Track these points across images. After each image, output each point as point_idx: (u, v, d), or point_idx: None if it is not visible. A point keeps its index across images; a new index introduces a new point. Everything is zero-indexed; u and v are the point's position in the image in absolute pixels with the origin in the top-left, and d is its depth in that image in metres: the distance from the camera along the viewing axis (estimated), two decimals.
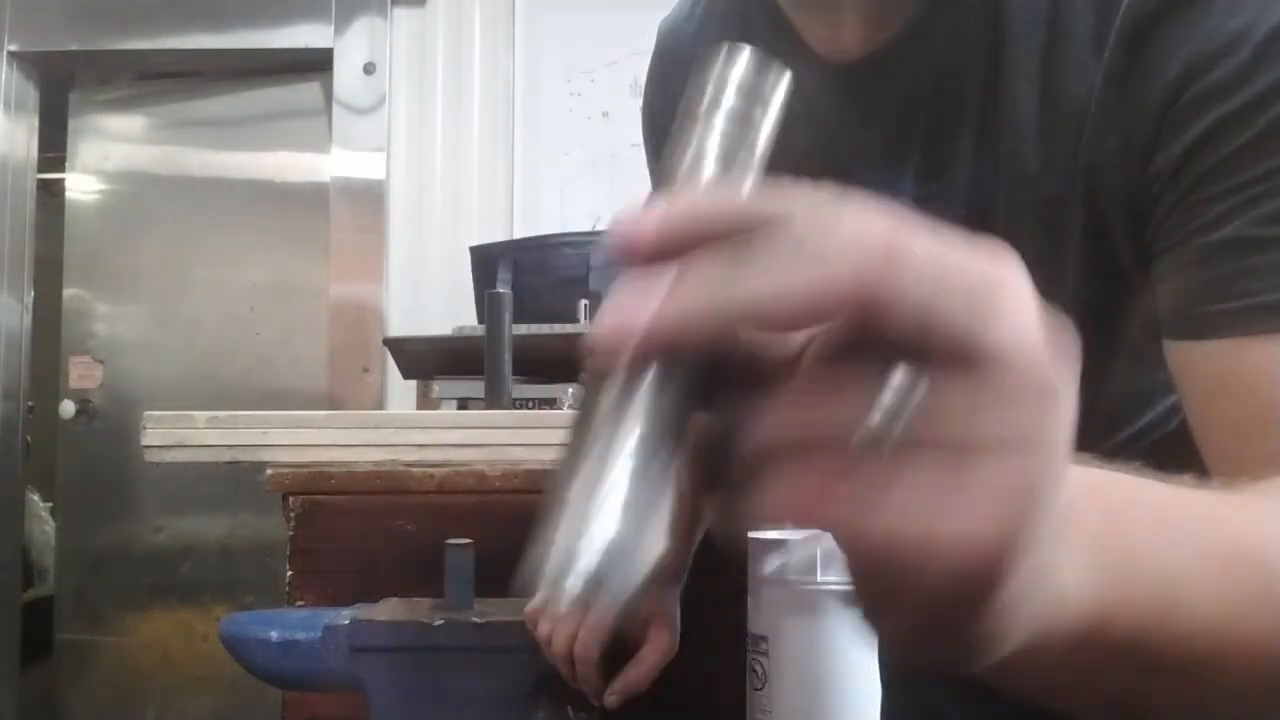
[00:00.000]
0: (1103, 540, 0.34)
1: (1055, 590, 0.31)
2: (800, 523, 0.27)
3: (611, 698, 0.86)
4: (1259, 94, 0.51)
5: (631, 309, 0.27)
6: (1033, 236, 0.58)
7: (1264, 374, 0.51)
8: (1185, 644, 0.37)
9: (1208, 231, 0.52)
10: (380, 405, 2.76)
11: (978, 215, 0.59)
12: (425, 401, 2.18)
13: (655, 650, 0.89)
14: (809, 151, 0.65)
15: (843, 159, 0.64)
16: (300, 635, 0.91)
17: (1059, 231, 0.59)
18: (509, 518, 1.14)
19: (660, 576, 0.42)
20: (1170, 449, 0.62)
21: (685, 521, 0.76)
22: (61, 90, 3.17)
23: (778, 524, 0.51)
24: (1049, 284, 0.43)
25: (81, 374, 3.07)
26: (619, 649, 0.88)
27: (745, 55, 0.34)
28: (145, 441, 1.20)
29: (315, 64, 2.90)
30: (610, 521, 0.27)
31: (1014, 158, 0.58)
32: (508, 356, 1.33)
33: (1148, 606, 0.35)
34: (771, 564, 1.67)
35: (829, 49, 0.63)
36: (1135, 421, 0.66)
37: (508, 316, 1.32)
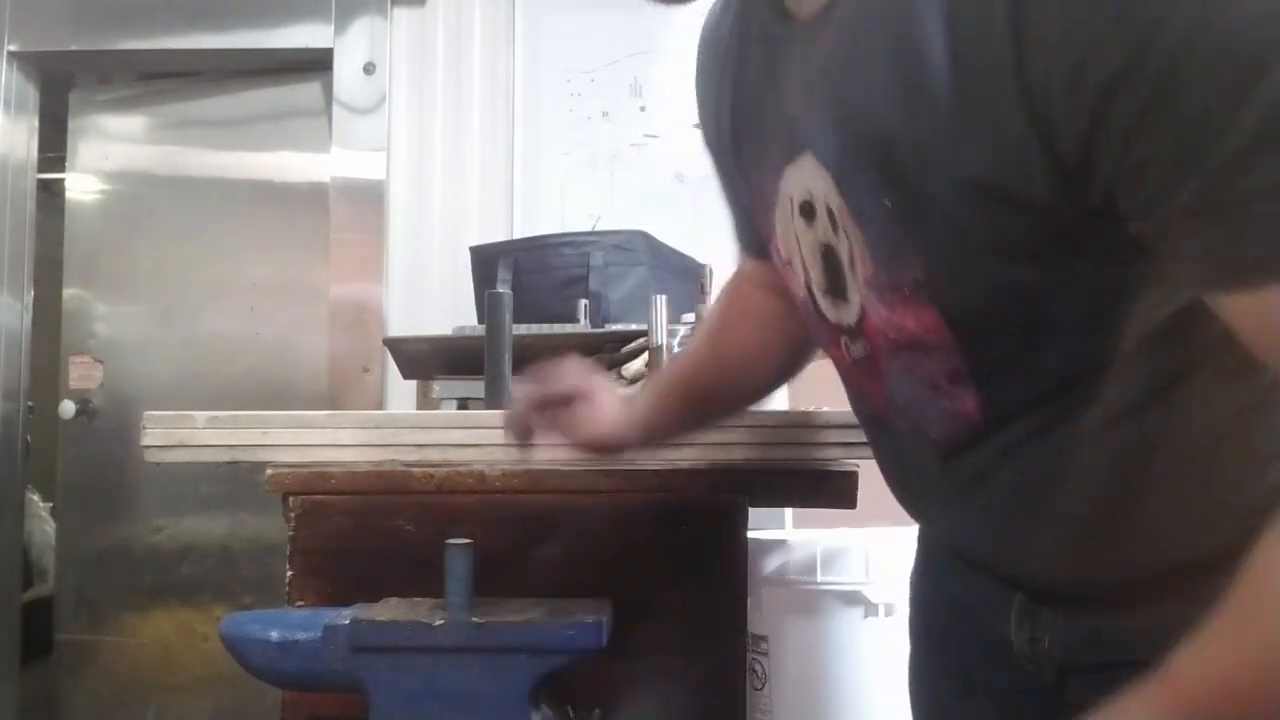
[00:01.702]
0: None
1: None
2: None
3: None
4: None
5: None
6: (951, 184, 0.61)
7: None
8: None
9: (1213, 184, 0.52)
10: (380, 405, 2.76)
11: (894, 164, 0.63)
12: (425, 401, 2.18)
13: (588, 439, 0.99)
14: (769, 99, 0.73)
15: (791, 106, 0.71)
16: (300, 635, 0.91)
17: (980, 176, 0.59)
18: (509, 518, 1.14)
19: None
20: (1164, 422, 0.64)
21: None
22: (61, 90, 3.17)
23: None
24: (965, 239, 0.56)
25: (81, 374, 3.07)
26: None
27: None
28: (145, 441, 1.20)
29: (315, 64, 2.90)
30: None
31: (923, 101, 0.60)
32: (508, 356, 1.33)
33: None
34: (771, 564, 1.67)
35: (797, 9, 0.71)
36: (1123, 393, 0.66)
37: (508, 316, 1.32)
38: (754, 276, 1.00)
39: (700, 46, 0.89)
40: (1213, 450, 0.65)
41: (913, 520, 0.86)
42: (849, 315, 0.73)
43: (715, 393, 1.02)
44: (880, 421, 0.79)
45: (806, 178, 0.71)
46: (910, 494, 0.83)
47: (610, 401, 1.01)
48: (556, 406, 1.01)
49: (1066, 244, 0.60)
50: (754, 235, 0.91)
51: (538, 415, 1.01)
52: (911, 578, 0.94)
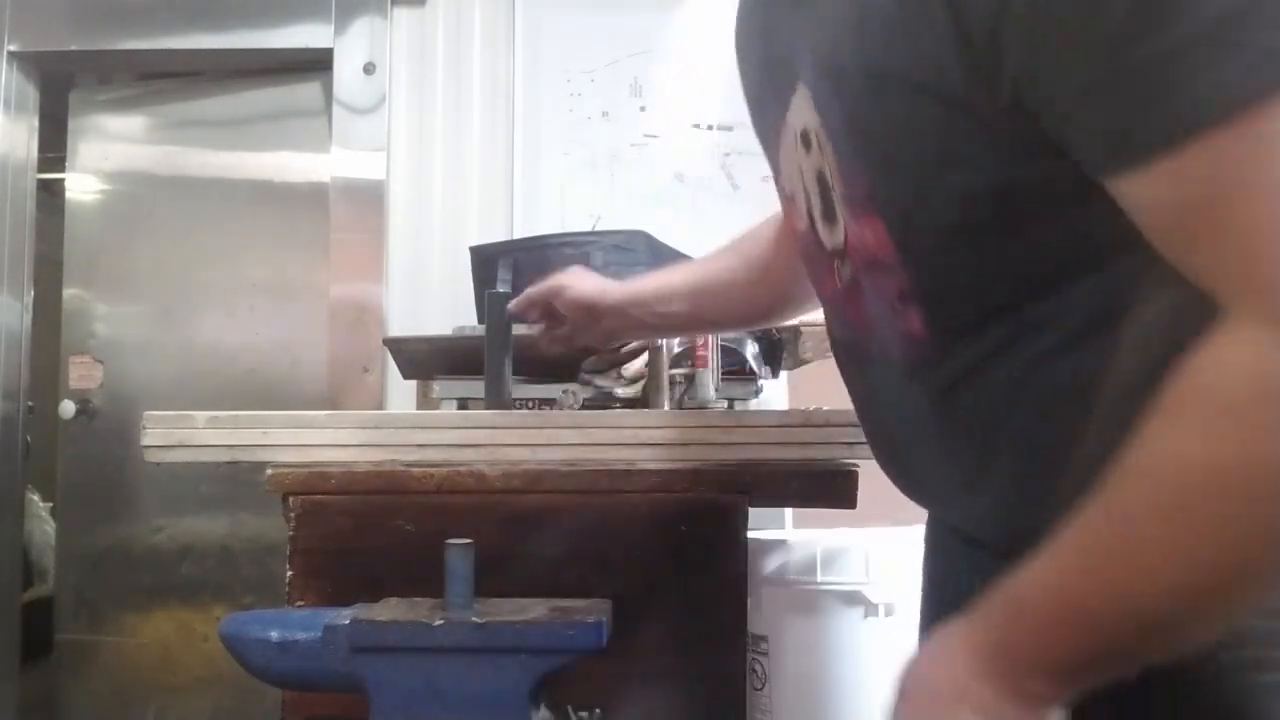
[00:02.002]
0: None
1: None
2: None
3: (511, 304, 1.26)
4: None
5: None
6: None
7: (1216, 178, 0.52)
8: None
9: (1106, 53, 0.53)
10: (380, 405, 2.76)
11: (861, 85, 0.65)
12: (425, 401, 2.18)
13: (548, 281, 1.23)
14: (783, 32, 0.76)
15: (794, 35, 0.74)
16: (300, 635, 0.91)
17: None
18: (509, 518, 1.14)
19: None
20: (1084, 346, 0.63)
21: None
22: (61, 90, 3.17)
23: None
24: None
25: (81, 374, 3.07)
26: None
27: None
28: (145, 441, 1.20)
29: (315, 64, 2.90)
30: None
31: (868, 6, 0.63)
32: (508, 357, 1.35)
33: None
34: (771, 564, 1.67)
35: None
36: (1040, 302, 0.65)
37: (508, 316, 1.34)
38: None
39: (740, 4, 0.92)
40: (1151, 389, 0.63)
41: (891, 480, 0.86)
42: (838, 236, 0.75)
43: (717, 290, 1.12)
44: (858, 351, 0.81)
45: (800, 106, 0.74)
46: (880, 437, 0.83)
47: (593, 277, 1.20)
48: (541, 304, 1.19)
49: (998, 150, 0.61)
50: None
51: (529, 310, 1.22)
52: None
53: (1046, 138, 0.58)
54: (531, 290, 1.23)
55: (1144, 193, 0.54)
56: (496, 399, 1.31)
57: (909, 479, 0.83)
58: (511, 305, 1.26)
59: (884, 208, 0.68)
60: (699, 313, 1.16)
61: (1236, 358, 0.52)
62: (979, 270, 0.66)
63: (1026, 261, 0.64)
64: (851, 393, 0.86)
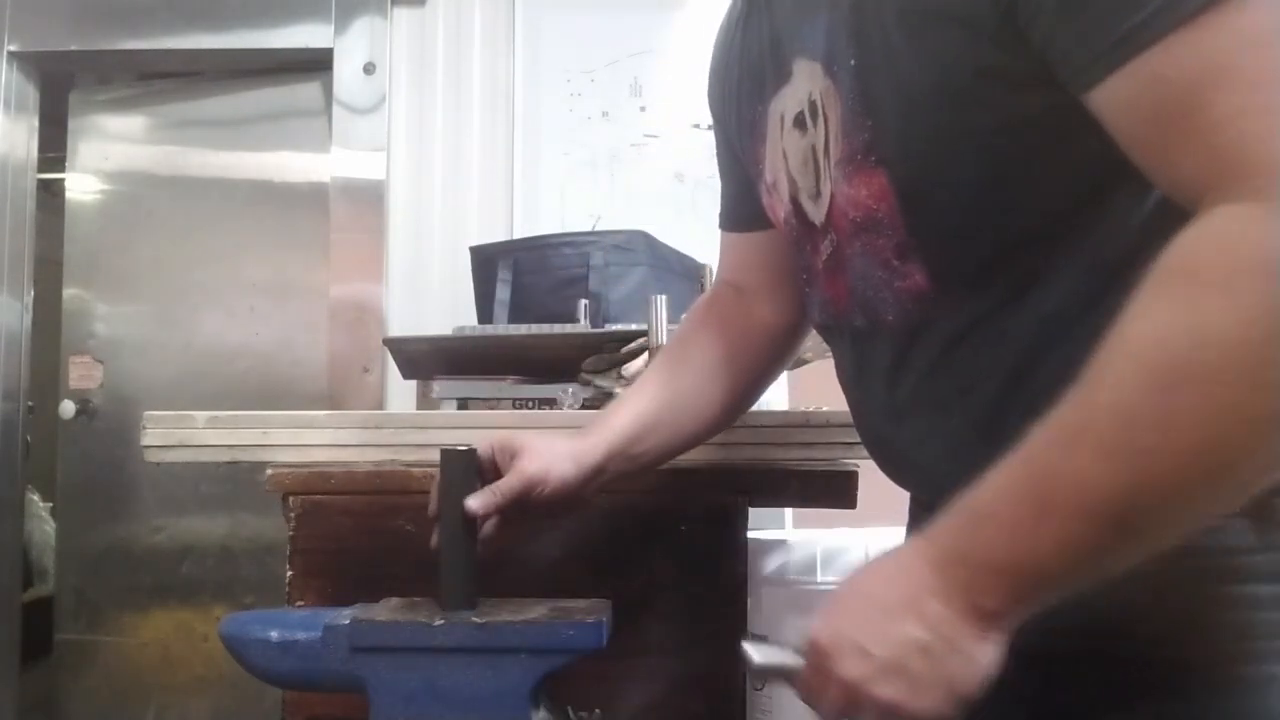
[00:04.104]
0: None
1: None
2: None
3: (473, 500, 0.88)
4: None
5: None
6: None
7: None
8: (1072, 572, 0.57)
9: None
10: (380, 405, 2.76)
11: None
12: (425, 401, 2.18)
13: (517, 473, 0.90)
14: (765, 32, 0.79)
15: (780, 26, 0.77)
16: (300, 635, 0.91)
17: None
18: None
19: None
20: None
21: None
22: (61, 90, 3.17)
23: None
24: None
25: (81, 374, 3.07)
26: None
27: None
28: (145, 441, 1.20)
29: (315, 64, 2.90)
30: None
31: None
32: (472, 547, 0.93)
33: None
34: (771, 564, 1.67)
35: None
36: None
37: (472, 478, 0.94)
38: (716, 301, 1.03)
39: (722, 22, 0.95)
40: None
41: (876, 462, 0.86)
42: (822, 209, 0.76)
43: (688, 397, 1.00)
44: (842, 325, 0.81)
45: (799, 86, 0.75)
46: (867, 414, 0.83)
47: (556, 448, 0.93)
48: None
49: (1017, 81, 0.61)
50: (743, 206, 0.95)
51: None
52: None
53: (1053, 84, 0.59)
54: (500, 486, 0.91)
55: (1121, 98, 0.55)
56: (457, 600, 0.91)
57: (897, 461, 0.83)
58: (474, 505, 0.89)
59: (887, 156, 0.68)
60: (678, 431, 1.00)
61: (1219, 233, 0.51)
62: (988, 213, 0.66)
63: (1035, 204, 0.64)
64: (835, 357, 0.86)
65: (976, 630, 0.58)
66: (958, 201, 0.67)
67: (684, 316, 1.07)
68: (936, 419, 0.74)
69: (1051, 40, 0.58)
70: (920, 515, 0.89)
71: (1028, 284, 0.66)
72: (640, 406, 0.97)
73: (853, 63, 0.69)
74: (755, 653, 0.70)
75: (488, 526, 0.91)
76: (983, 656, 0.58)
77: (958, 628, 0.58)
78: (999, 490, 0.57)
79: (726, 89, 0.92)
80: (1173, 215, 0.55)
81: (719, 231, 1.06)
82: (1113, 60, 0.54)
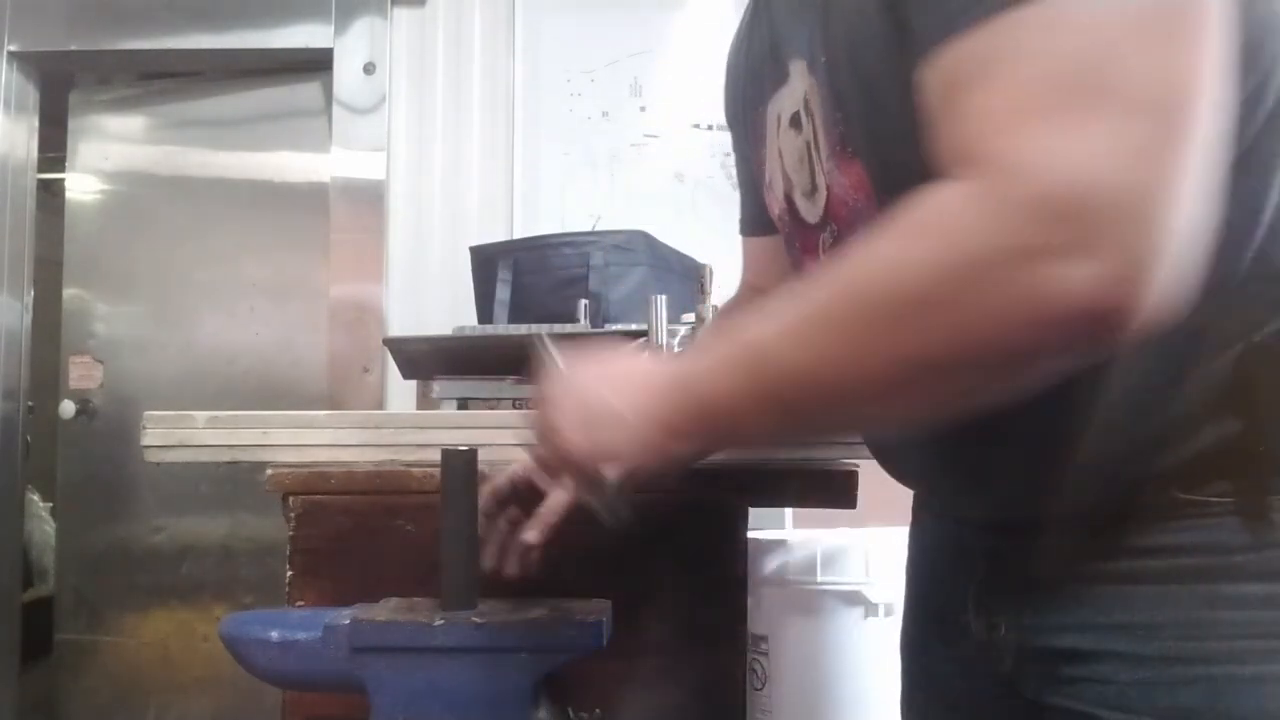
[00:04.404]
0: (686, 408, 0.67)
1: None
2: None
3: (530, 533, 0.92)
4: None
5: None
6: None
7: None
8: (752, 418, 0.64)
9: None
10: (380, 405, 2.76)
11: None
12: (425, 401, 2.18)
13: (558, 494, 0.94)
14: (765, 33, 0.81)
15: (779, 27, 0.79)
16: (300, 635, 0.91)
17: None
18: None
19: None
20: None
21: None
22: (61, 90, 3.17)
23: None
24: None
25: (81, 374, 3.07)
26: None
27: None
28: (145, 441, 1.20)
29: (315, 64, 2.90)
30: None
31: None
32: (476, 547, 0.95)
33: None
34: (771, 564, 1.67)
35: None
36: None
37: (473, 481, 0.95)
38: (740, 304, 1.06)
39: (737, 28, 0.95)
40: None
41: (877, 461, 0.86)
42: (819, 204, 0.77)
43: None
44: None
45: (794, 86, 0.76)
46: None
47: None
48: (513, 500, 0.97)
49: None
50: (761, 211, 0.95)
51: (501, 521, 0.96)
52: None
53: None
54: (550, 509, 0.93)
55: (931, 78, 0.57)
56: (457, 600, 0.91)
57: (892, 457, 0.83)
58: (533, 537, 0.93)
59: (860, 147, 0.69)
60: None
61: (933, 198, 0.55)
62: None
63: None
64: None
65: (662, 433, 0.68)
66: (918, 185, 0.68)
67: (712, 319, 1.08)
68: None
69: (907, 20, 0.60)
70: (922, 515, 0.89)
71: None
72: None
73: (824, 59, 0.70)
74: (552, 346, 0.79)
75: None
76: (657, 452, 0.69)
77: (651, 423, 0.68)
78: (726, 342, 0.66)
79: (735, 95, 0.93)
80: None
81: (721, 233, 1.07)
82: (937, 39, 0.56)
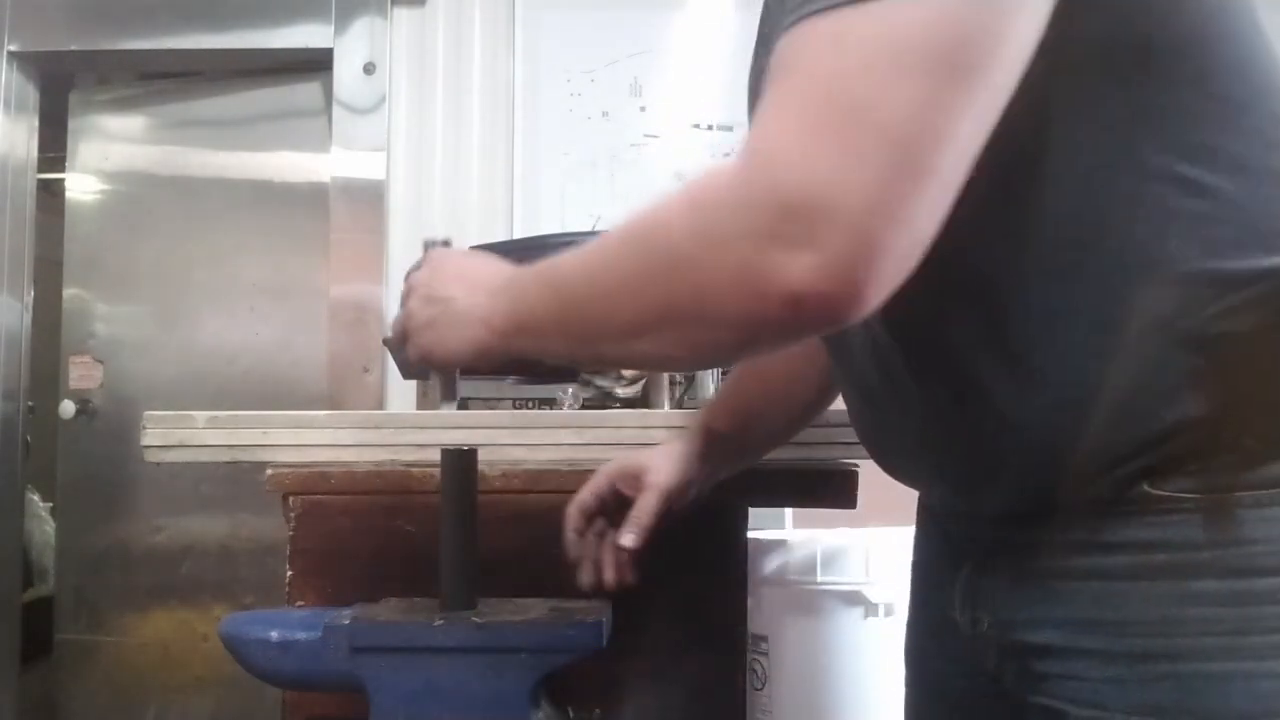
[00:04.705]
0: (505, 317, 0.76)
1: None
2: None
3: (627, 538, 0.96)
4: None
5: None
6: None
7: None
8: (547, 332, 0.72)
9: None
10: (380, 405, 2.76)
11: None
12: (425, 401, 2.18)
13: (651, 489, 0.98)
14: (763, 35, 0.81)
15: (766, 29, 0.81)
16: (300, 635, 0.91)
17: None
18: (509, 518, 1.14)
19: None
20: None
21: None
22: (61, 90, 3.17)
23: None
24: None
25: (81, 374, 3.07)
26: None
27: None
28: (145, 441, 1.20)
29: (315, 64, 2.90)
30: None
31: None
32: (474, 549, 0.98)
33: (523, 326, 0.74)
34: (771, 564, 1.67)
35: None
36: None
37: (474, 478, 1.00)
38: None
39: None
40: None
41: (872, 458, 0.86)
42: None
43: (760, 416, 1.05)
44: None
45: None
46: (858, 406, 0.83)
47: (657, 457, 1.02)
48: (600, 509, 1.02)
49: None
50: None
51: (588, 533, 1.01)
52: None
53: None
54: (643, 511, 0.97)
55: (771, 63, 0.61)
56: (457, 600, 0.93)
57: (886, 456, 0.83)
58: (630, 541, 0.96)
59: None
60: (777, 416, 1.06)
61: (710, 172, 0.61)
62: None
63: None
64: (836, 367, 0.86)
65: (485, 329, 0.78)
66: None
67: None
68: (926, 419, 0.74)
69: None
70: (923, 515, 0.89)
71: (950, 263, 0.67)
72: (735, 402, 1.05)
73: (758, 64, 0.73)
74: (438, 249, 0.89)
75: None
76: (477, 345, 0.79)
77: (478, 319, 0.78)
78: (548, 262, 0.73)
79: (749, 104, 0.94)
80: (1100, 195, 0.62)
81: None
82: (782, 32, 0.59)
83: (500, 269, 0.80)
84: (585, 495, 1.02)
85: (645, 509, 0.96)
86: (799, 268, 0.56)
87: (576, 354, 0.72)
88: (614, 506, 1.00)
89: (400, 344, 0.87)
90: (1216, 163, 0.63)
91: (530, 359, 0.78)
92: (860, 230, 0.55)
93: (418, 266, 0.88)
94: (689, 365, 0.66)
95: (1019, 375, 0.66)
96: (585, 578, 0.98)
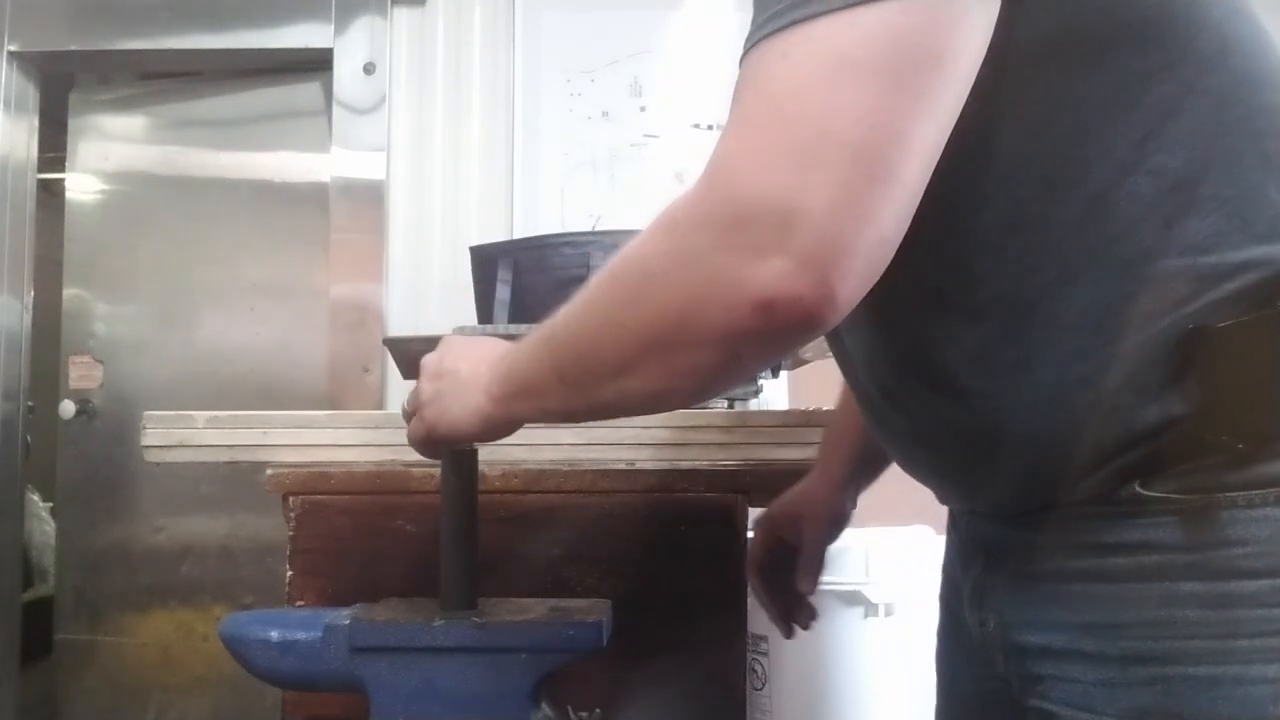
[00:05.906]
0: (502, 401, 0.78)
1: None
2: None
3: (806, 584, 1.11)
4: None
5: None
6: None
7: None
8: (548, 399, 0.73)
9: None
10: (380, 405, 2.76)
11: None
12: None
13: (813, 533, 1.10)
14: None
15: None
16: (300, 635, 0.91)
17: None
18: (509, 518, 1.14)
19: None
20: None
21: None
22: (61, 90, 3.17)
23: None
24: None
25: (81, 374, 3.07)
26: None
27: None
28: (145, 441, 1.20)
29: (315, 64, 2.90)
30: None
31: None
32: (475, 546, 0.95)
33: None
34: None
35: None
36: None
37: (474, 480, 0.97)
38: None
39: None
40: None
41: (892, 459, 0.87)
42: None
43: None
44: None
45: None
46: (865, 409, 0.83)
47: (809, 493, 1.13)
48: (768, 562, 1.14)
49: None
50: None
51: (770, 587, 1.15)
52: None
53: None
54: (813, 557, 1.13)
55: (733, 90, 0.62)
56: (457, 600, 0.92)
57: (897, 457, 0.83)
58: (808, 588, 1.15)
59: None
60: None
61: (677, 201, 0.62)
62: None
63: (931, 201, 0.64)
64: (843, 376, 0.86)
65: (486, 398, 0.79)
66: None
67: None
68: (912, 404, 0.74)
69: None
70: (950, 517, 0.89)
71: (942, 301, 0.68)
72: (854, 418, 1.05)
73: None
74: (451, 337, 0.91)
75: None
76: (478, 414, 0.80)
77: (480, 390, 0.79)
78: (546, 322, 0.73)
79: None
80: (1077, 191, 0.62)
81: None
82: (747, 51, 0.60)
83: (506, 346, 0.81)
84: (757, 554, 1.15)
85: (813, 555, 1.11)
86: (768, 273, 0.56)
87: (574, 406, 0.72)
88: (781, 553, 1.13)
89: (407, 420, 0.89)
90: (1194, 155, 0.62)
91: (533, 424, 0.80)
92: (825, 230, 0.56)
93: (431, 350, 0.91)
94: (682, 398, 0.67)
95: (1005, 377, 0.66)
96: (784, 630, 1.16)
